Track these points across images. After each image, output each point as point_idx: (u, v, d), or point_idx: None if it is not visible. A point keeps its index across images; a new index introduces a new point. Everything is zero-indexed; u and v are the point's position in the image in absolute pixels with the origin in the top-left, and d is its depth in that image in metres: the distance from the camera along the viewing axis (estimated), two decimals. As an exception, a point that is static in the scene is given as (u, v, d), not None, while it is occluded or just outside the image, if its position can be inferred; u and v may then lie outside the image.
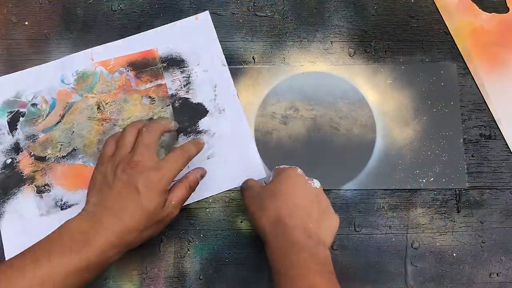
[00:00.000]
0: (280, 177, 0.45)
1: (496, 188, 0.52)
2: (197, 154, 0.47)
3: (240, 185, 0.49)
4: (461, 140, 0.53)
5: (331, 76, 0.55)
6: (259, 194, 0.45)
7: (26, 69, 0.53)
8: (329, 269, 0.41)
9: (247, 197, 0.47)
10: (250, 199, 0.46)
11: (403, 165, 0.53)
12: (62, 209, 0.50)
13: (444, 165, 0.52)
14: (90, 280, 0.40)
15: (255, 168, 0.52)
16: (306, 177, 0.45)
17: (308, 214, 0.43)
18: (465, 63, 0.55)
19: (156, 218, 0.43)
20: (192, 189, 0.47)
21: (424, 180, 0.52)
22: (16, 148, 0.52)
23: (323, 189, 0.52)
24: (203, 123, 0.53)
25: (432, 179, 0.52)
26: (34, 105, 0.53)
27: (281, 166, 0.47)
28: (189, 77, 0.54)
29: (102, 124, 0.53)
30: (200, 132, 0.53)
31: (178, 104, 0.53)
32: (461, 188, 0.52)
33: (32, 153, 0.52)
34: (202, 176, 0.48)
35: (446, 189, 0.52)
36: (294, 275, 0.40)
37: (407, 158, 0.53)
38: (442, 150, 0.53)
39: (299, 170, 0.46)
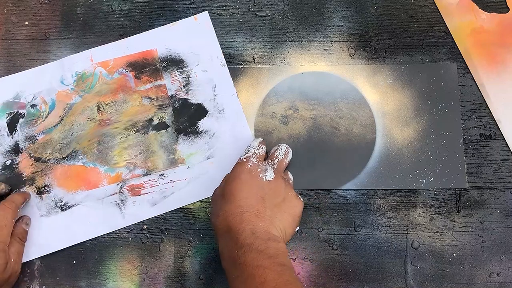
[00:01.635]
0: (229, 177, 0.44)
1: (496, 188, 0.52)
2: (23, 203, 0.48)
3: None
4: (461, 140, 0.53)
5: (331, 76, 0.55)
6: (215, 198, 0.45)
7: (25, 70, 0.53)
8: (280, 262, 0.39)
9: (214, 192, 0.46)
10: (212, 204, 0.46)
11: (403, 165, 0.53)
12: (62, 210, 0.51)
13: (444, 165, 0.52)
14: None
15: None
16: (261, 167, 0.44)
17: (257, 214, 0.41)
18: (465, 63, 0.55)
19: (2, 280, 0.43)
20: (23, 239, 0.47)
21: (424, 180, 0.52)
22: (16, 149, 0.52)
23: (323, 189, 0.52)
24: (203, 124, 0.53)
25: (432, 179, 0.52)
26: (33, 106, 0.53)
27: (241, 157, 0.46)
28: (188, 77, 0.54)
29: (102, 125, 0.53)
30: (200, 132, 0.53)
31: (178, 104, 0.53)
32: (461, 188, 0.52)
33: (32, 154, 0.52)
34: (27, 224, 0.49)
35: (446, 189, 0.52)
36: (245, 277, 0.38)
37: (407, 158, 0.53)
38: (442, 150, 0.53)
39: (250, 164, 0.45)
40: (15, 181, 0.51)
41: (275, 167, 0.46)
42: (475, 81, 0.54)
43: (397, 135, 0.53)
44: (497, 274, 0.51)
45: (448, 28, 0.56)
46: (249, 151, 0.47)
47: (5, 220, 0.45)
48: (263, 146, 0.48)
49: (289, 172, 0.50)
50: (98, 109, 0.53)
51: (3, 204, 0.46)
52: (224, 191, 0.43)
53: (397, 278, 0.51)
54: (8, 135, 0.52)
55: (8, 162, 0.51)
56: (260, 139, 0.49)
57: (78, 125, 0.52)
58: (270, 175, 0.44)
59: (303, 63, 0.55)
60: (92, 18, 0.56)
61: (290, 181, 0.50)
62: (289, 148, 0.50)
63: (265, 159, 0.48)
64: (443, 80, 0.54)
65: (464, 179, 0.52)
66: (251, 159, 0.45)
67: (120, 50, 0.54)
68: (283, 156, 0.48)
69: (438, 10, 0.56)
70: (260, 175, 0.44)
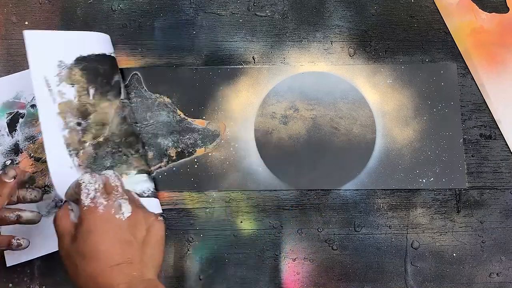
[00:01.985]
0: (82, 231, 0.37)
1: (496, 188, 0.52)
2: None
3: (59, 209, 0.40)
4: (461, 140, 0.53)
5: (331, 76, 0.55)
6: (67, 257, 0.37)
7: (25, 70, 0.53)
8: None
9: (60, 248, 0.38)
10: (64, 254, 0.38)
11: (403, 165, 0.53)
12: None
13: (444, 165, 0.52)
14: None
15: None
16: (113, 206, 0.38)
17: (128, 262, 0.36)
18: (465, 63, 0.55)
19: None
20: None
21: (424, 180, 0.52)
22: (16, 149, 0.52)
23: (323, 189, 0.52)
24: None
25: (432, 179, 0.52)
26: (33, 106, 0.53)
27: (84, 202, 0.38)
28: None
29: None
30: None
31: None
32: (461, 188, 0.52)
33: (31, 154, 0.52)
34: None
35: (446, 189, 0.52)
36: None
37: (407, 158, 0.53)
38: (442, 150, 0.53)
39: (101, 207, 0.37)
40: (15, 181, 0.51)
41: (125, 197, 0.39)
42: (475, 81, 0.54)
43: (397, 135, 0.53)
44: (497, 274, 0.51)
45: (448, 28, 0.56)
46: (88, 190, 0.38)
47: None
48: (96, 176, 0.39)
49: (121, 180, 0.41)
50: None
51: None
52: (81, 249, 0.36)
53: (397, 278, 0.51)
54: (8, 135, 0.52)
55: (8, 162, 0.51)
56: (88, 173, 0.40)
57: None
58: (127, 210, 0.38)
59: (303, 63, 0.55)
60: (92, 18, 0.56)
61: (138, 198, 0.42)
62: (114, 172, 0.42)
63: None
64: (443, 80, 0.54)
65: (464, 179, 0.52)
66: (98, 200, 0.38)
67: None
68: (120, 182, 0.41)
69: (438, 10, 0.56)
70: (117, 216, 0.38)
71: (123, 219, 0.38)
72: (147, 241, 0.39)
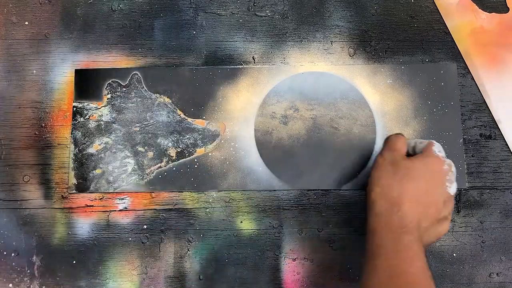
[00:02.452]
0: (424, 162, 0.43)
1: (496, 188, 0.52)
2: None
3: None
4: (461, 140, 0.53)
5: (331, 76, 0.55)
6: (394, 165, 0.43)
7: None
8: (424, 258, 0.40)
9: (379, 162, 0.44)
10: (380, 165, 0.44)
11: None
12: None
13: None
14: None
15: None
16: (448, 177, 0.43)
17: (426, 215, 0.41)
18: (465, 63, 0.55)
19: None
20: None
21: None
22: None
23: (323, 189, 0.52)
24: None
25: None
26: None
27: (434, 144, 0.45)
28: None
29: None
30: None
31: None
32: (461, 188, 0.52)
33: None
34: None
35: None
36: (391, 250, 0.39)
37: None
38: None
39: (445, 166, 0.43)
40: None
41: (454, 184, 0.44)
42: (475, 81, 0.54)
43: (397, 135, 0.53)
44: (497, 274, 0.51)
45: (448, 28, 0.56)
46: (441, 150, 0.45)
47: None
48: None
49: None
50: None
51: None
52: (413, 172, 0.42)
53: (397, 278, 0.51)
54: None
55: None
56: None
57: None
58: (453, 189, 0.43)
59: (303, 63, 0.55)
60: (92, 18, 0.56)
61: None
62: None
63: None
64: (443, 80, 0.54)
65: (464, 179, 0.52)
66: (446, 161, 0.44)
67: None
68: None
69: (438, 10, 0.56)
70: (447, 184, 0.43)
71: (447, 190, 0.43)
72: (440, 221, 0.43)
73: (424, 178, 0.42)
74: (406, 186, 0.42)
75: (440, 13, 0.56)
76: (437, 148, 0.45)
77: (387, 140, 0.46)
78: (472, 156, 0.53)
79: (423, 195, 0.42)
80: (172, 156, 0.53)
